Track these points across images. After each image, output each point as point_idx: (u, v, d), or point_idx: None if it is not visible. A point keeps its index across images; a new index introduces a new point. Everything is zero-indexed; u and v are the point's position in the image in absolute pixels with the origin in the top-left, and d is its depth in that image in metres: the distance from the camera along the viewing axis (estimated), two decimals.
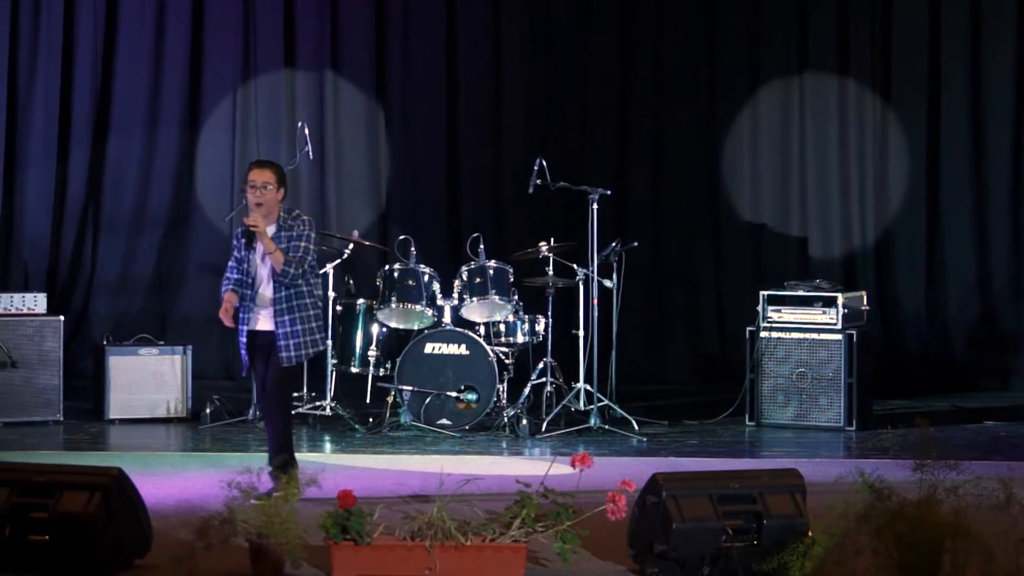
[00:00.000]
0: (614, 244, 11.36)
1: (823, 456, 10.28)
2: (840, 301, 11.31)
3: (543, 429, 10.88)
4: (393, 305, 11.16)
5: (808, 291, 11.46)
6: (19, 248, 13.23)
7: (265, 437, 8.98)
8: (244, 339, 8.63)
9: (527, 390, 11.16)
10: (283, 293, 8.51)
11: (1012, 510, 6.44)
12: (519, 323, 11.35)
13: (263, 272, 8.56)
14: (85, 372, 12.26)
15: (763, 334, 11.40)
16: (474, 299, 11.21)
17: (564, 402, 11.09)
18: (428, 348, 11.08)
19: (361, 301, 11.38)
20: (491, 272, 11.22)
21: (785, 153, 13.84)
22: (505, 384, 11.22)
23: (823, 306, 11.34)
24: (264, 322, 8.58)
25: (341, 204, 13.79)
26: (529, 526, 6.81)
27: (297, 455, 8.76)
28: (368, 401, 11.36)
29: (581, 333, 11.19)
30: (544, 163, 11.29)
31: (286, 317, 8.50)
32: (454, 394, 11.03)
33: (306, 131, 11.69)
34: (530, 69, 14.00)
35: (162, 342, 11.61)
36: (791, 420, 11.30)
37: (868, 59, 13.70)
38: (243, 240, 8.57)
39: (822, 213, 13.79)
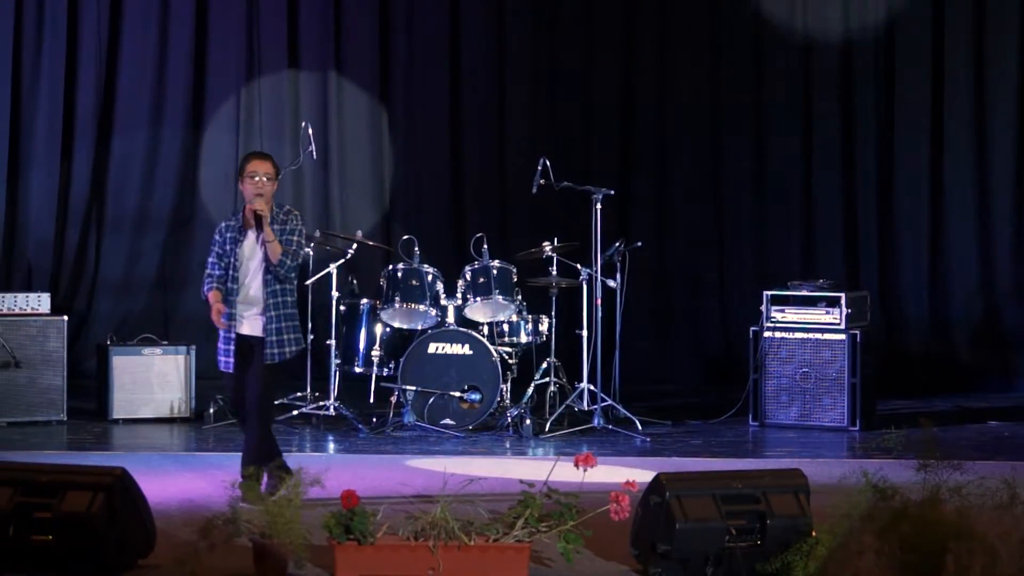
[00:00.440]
0: (617, 244, 11.35)
1: (827, 456, 10.27)
2: (844, 301, 11.31)
3: (546, 429, 10.88)
4: (397, 305, 11.16)
5: (811, 291, 11.46)
6: (23, 248, 13.24)
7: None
8: (232, 335, 8.51)
9: (530, 390, 11.16)
10: (272, 288, 8.45)
11: (1016, 510, 6.43)
12: (523, 323, 11.35)
13: (251, 266, 8.48)
14: (89, 372, 12.26)
15: (766, 334, 11.39)
16: (478, 299, 11.22)
17: (567, 402, 11.09)
18: (432, 348, 11.08)
19: (365, 301, 11.38)
20: (495, 272, 11.22)
21: (788, 153, 13.83)
22: (508, 384, 11.22)
23: (827, 306, 11.34)
24: (247, 326, 8.47)
25: (345, 204, 13.80)
26: (532, 526, 6.81)
27: (300, 455, 8.75)
28: (372, 401, 11.35)
29: (584, 333, 11.18)
30: (547, 163, 11.29)
31: (272, 313, 8.44)
32: (457, 394, 11.03)
33: (310, 131, 11.70)
34: (533, 69, 14.00)
35: (166, 342, 11.61)
36: (794, 420, 11.30)
37: (871, 58, 13.70)
38: (236, 229, 8.47)
39: (825, 212, 13.78)
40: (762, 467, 8.64)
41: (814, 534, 6.83)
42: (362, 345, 11.34)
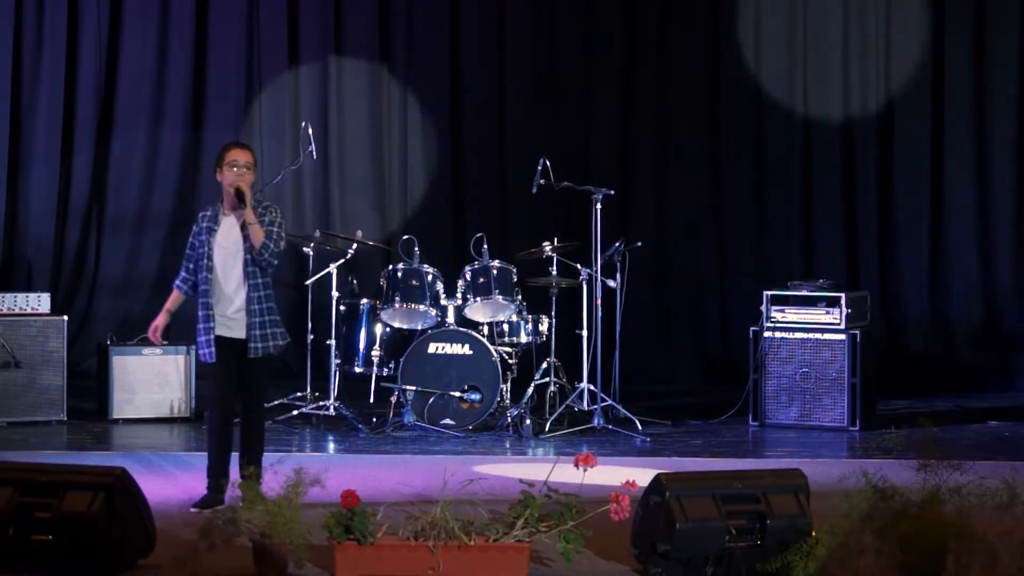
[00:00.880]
0: (617, 244, 11.35)
1: (827, 456, 10.27)
2: (844, 301, 11.31)
3: (546, 429, 10.88)
4: (397, 305, 11.16)
5: (812, 291, 11.46)
6: (23, 248, 13.23)
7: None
8: (212, 325, 8.39)
9: (530, 390, 11.16)
10: (255, 282, 8.37)
11: (1016, 510, 6.44)
12: (522, 323, 11.35)
13: (228, 254, 8.35)
14: (88, 372, 12.26)
15: (766, 334, 11.40)
16: (478, 299, 11.22)
17: (567, 402, 11.09)
18: (432, 348, 11.08)
19: (365, 301, 11.38)
20: (495, 272, 11.22)
21: (788, 153, 13.83)
22: (508, 384, 11.22)
23: (827, 306, 11.34)
24: (228, 328, 8.40)
25: (345, 204, 13.80)
26: (532, 526, 6.81)
27: (301, 455, 8.75)
28: (372, 401, 11.35)
29: (584, 333, 11.18)
30: (547, 163, 11.29)
31: (255, 307, 8.39)
32: (457, 394, 11.03)
33: (310, 131, 11.70)
34: (534, 69, 13.99)
35: (166, 342, 11.53)
36: (795, 420, 11.30)
37: (871, 57, 13.70)
38: (211, 219, 8.38)
39: (825, 213, 13.79)
40: (762, 467, 8.65)
41: (814, 534, 6.83)
42: (362, 345, 11.34)
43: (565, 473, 7.08)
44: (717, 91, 13.91)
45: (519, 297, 11.32)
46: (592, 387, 11.10)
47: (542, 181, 11.27)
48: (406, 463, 9.87)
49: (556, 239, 11.39)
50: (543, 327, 11.36)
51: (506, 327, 11.34)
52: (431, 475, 8.54)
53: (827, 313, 11.32)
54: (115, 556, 6.95)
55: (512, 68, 13.96)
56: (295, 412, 11.21)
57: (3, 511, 6.92)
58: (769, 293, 11.52)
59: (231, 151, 8.53)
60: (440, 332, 11.13)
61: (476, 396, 11.03)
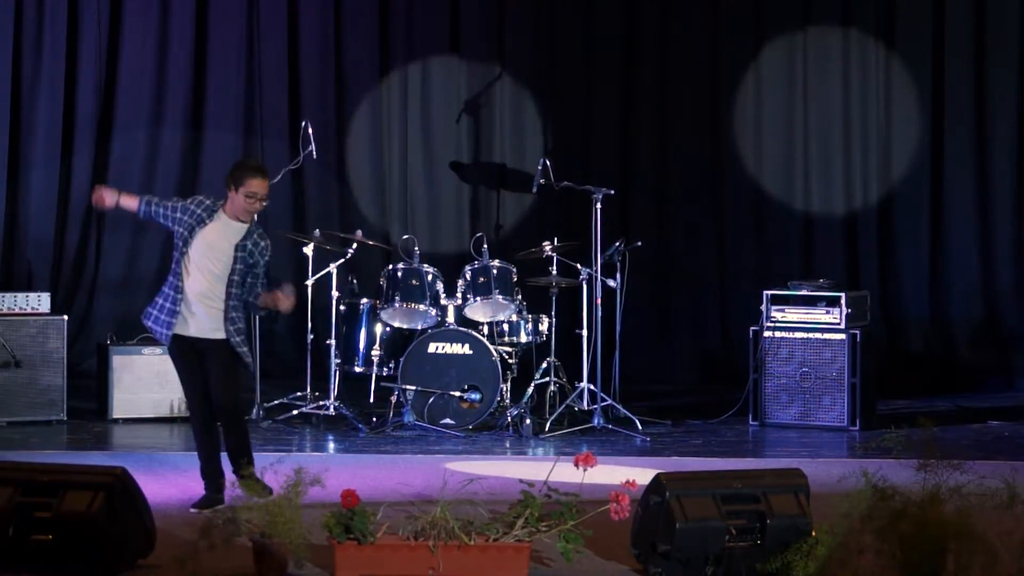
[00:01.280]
0: (618, 244, 11.35)
1: (827, 456, 10.27)
2: (844, 301, 11.31)
3: (546, 429, 10.88)
4: (397, 305, 11.16)
5: (812, 291, 11.46)
6: (23, 248, 13.22)
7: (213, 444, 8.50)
8: (173, 321, 8.28)
9: (530, 390, 11.16)
10: (235, 296, 8.29)
11: (1016, 510, 6.44)
12: (522, 323, 11.35)
13: (210, 254, 8.24)
14: (89, 371, 12.25)
15: (767, 334, 11.40)
16: (477, 299, 11.22)
17: (567, 402, 11.10)
18: (431, 348, 11.08)
19: (364, 301, 11.38)
20: (495, 272, 11.22)
21: (789, 154, 13.83)
22: (508, 384, 11.22)
23: (827, 306, 11.34)
24: (193, 326, 8.31)
25: (345, 204, 13.79)
26: (532, 526, 6.80)
27: (300, 455, 8.74)
28: (371, 401, 11.35)
29: (584, 333, 11.18)
30: (548, 162, 11.30)
31: (234, 315, 8.29)
32: (457, 394, 11.03)
33: (310, 130, 11.71)
34: (534, 69, 13.99)
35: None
36: (795, 420, 11.30)
37: (871, 59, 13.69)
38: (209, 215, 8.28)
39: (826, 212, 13.78)
40: (762, 467, 8.64)
41: (814, 534, 6.83)
42: (362, 345, 11.34)
43: (565, 473, 7.07)
44: (717, 91, 13.91)
45: (519, 297, 11.32)
46: (592, 387, 11.10)
47: (542, 181, 11.27)
48: (406, 463, 9.87)
49: (556, 239, 11.39)
50: (543, 327, 11.36)
51: (506, 327, 11.34)
52: (431, 475, 8.54)
53: (827, 313, 11.32)
54: (115, 556, 6.94)
55: (512, 66, 13.94)
56: (295, 412, 11.21)
57: (3, 511, 6.92)
58: (769, 293, 11.52)
59: (255, 179, 8.29)
60: (440, 332, 11.13)
61: (476, 396, 11.03)
